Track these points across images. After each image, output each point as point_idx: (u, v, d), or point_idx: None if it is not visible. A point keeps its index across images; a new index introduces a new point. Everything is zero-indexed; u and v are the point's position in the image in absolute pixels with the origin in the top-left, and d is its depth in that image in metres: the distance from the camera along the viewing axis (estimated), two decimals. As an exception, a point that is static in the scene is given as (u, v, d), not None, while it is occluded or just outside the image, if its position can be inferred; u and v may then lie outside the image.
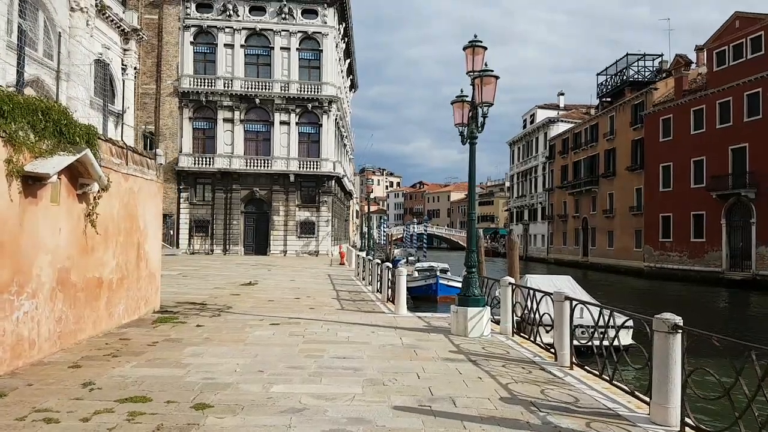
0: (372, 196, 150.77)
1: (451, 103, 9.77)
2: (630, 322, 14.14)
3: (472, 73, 8.96)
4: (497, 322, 9.76)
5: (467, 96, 9.52)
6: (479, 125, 8.99)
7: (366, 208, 37.42)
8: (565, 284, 16.03)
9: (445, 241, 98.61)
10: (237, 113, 38.50)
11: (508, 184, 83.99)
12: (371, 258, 17.43)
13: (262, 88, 38.52)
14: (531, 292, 8.65)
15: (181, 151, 38.26)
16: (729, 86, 32.30)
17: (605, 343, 6.35)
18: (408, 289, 24.97)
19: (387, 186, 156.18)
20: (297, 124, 38.90)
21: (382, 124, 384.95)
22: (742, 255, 31.79)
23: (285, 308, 11.52)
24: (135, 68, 38.22)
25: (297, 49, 39.13)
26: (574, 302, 7.13)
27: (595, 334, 6.55)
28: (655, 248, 39.16)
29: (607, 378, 6.13)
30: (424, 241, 62.64)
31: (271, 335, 8.41)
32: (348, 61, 51.75)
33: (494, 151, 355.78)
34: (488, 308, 9.42)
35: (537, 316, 8.26)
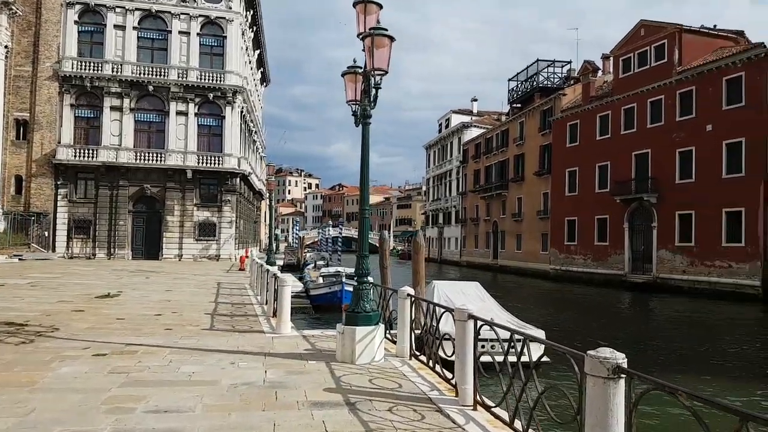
0: (289, 197, 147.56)
1: (342, 75, 7.98)
2: (540, 333, 12.97)
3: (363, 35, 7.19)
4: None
5: (361, 67, 7.77)
6: (372, 99, 7.24)
7: (268, 208, 34.84)
8: (473, 291, 14.80)
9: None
10: (127, 101, 34.80)
11: (424, 188, 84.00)
12: (262, 264, 15.30)
13: (156, 75, 35.07)
14: (431, 307, 7.03)
15: (59, 142, 34.04)
16: (633, 93, 32.97)
17: (514, 359, 4.76)
18: (311, 297, 23.22)
19: (305, 187, 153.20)
20: (196, 114, 35.73)
21: (304, 125, 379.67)
22: (643, 258, 32.46)
23: (132, 329, 9.21)
24: (6, 47, 33.63)
25: (198, 34, 36.05)
26: (480, 322, 5.52)
27: (504, 351, 4.98)
28: (561, 251, 39.56)
29: (521, 430, 4.54)
30: (339, 244, 60.95)
31: (83, 373, 6.18)
32: (258, 51, 48.91)
33: (413, 156, 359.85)
34: (382, 326, 7.67)
35: (437, 336, 6.69)
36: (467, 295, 14.19)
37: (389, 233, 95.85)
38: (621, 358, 3.26)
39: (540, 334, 12.62)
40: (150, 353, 7.37)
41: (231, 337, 8.84)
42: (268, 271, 12.85)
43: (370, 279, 8.30)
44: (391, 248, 79.70)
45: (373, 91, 7.14)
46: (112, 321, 10.02)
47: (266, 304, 12.52)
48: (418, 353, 7.60)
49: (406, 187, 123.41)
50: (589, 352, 3.35)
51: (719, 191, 27.68)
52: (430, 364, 6.95)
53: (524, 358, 4.65)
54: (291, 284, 10.42)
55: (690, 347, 16.11)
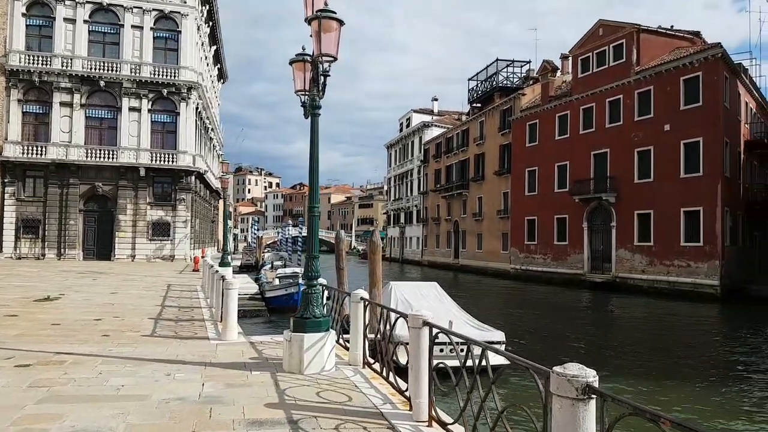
0: (249, 196, 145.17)
1: (290, 63, 7.48)
2: (500, 335, 12.67)
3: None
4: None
5: (310, 55, 7.28)
6: (321, 88, 6.76)
7: (222, 206, 33.91)
8: (431, 292, 14.47)
9: (325, 244, 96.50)
10: (77, 96, 33.36)
11: (386, 187, 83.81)
12: (212, 265, 14.62)
13: (108, 70, 33.72)
14: (385, 312, 6.60)
15: (6, 139, 32.49)
16: (592, 92, 33.23)
17: (471, 363, 4.39)
18: (267, 299, 22.52)
19: (266, 186, 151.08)
20: (150, 111, 34.50)
21: (264, 123, 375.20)
22: (602, 257, 32.71)
23: (66, 336, 8.49)
24: (-55, 37, 31.83)
25: (151, 28, 34.84)
26: (435, 329, 5.12)
27: (462, 362, 4.59)
28: (521, 251, 39.75)
29: (481, 449, 4.14)
30: (299, 244, 60.15)
31: (-4, 389, 5.53)
32: (214, 47, 47.67)
33: (375, 156, 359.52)
34: (333, 333, 7.20)
35: (391, 341, 6.28)
36: (425, 296, 13.87)
37: (352, 233, 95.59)
38: (591, 377, 2.83)
39: (500, 335, 12.36)
40: (79, 363, 6.72)
41: (170, 345, 8.21)
42: (216, 272, 12.21)
43: (322, 281, 7.83)
44: (352, 248, 79.33)
45: (322, 78, 6.66)
46: (46, 327, 9.27)
47: (214, 307, 11.89)
48: (372, 361, 7.16)
49: (368, 186, 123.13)
50: (555, 368, 2.91)
51: (678, 191, 28.03)
52: (384, 373, 6.53)
53: (483, 363, 4.28)
54: (239, 286, 9.84)
55: (651, 349, 16.07)
